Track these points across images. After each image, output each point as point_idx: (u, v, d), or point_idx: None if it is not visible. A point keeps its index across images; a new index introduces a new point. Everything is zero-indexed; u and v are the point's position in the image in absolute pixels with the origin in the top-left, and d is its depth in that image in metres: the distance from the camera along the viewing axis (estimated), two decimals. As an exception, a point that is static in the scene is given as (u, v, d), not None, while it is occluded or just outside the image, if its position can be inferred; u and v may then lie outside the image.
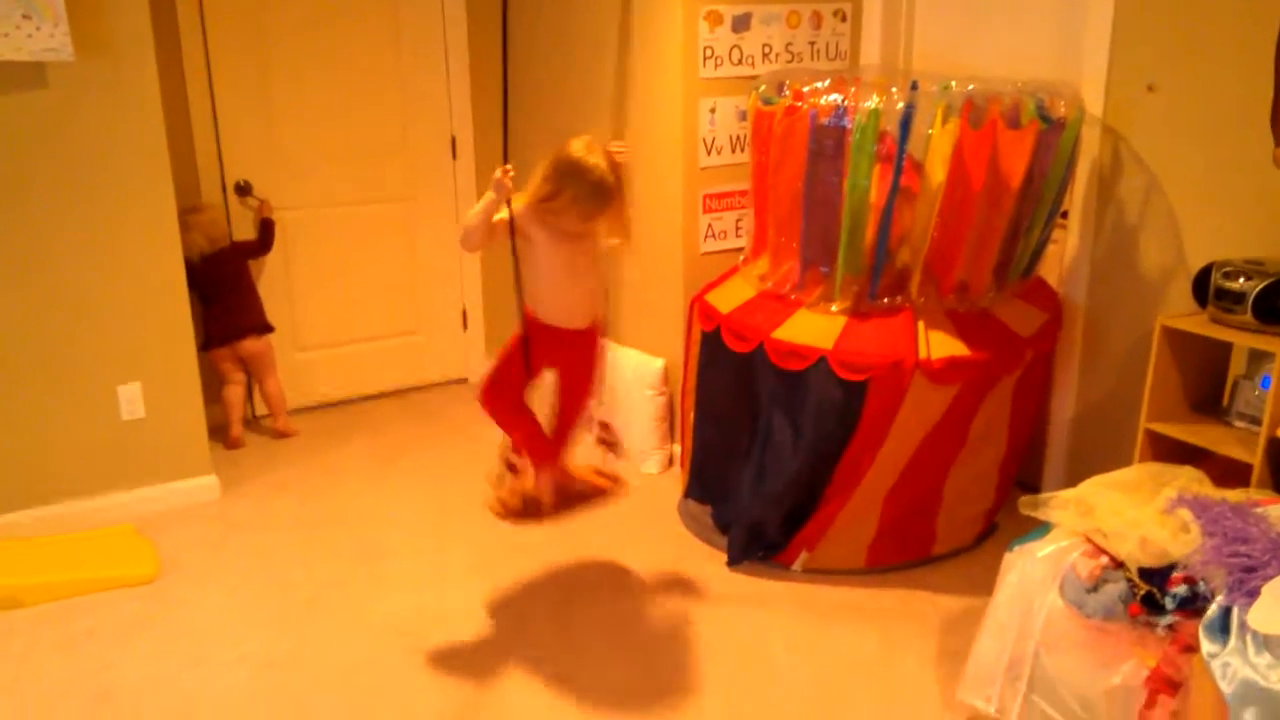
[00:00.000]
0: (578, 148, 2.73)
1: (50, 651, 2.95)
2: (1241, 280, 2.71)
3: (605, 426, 3.28)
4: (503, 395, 3.02)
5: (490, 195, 2.72)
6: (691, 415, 3.61)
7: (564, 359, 3.01)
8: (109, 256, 3.50)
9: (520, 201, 2.77)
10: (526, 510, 3.11)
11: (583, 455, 3.27)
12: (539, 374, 3.03)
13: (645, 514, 3.77)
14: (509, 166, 2.72)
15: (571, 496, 3.17)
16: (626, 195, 2.86)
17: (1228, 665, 2.03)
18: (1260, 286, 2.66)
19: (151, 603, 3.20)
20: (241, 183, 4.37)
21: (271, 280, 4.51)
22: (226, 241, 4.26)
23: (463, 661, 2.92)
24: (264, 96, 4.35)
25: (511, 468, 3.20)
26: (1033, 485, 3.63)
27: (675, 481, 3.95)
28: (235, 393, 4.32)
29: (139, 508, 3.69)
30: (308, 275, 4.60)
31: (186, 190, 4.12)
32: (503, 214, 2.77)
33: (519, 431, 3.09)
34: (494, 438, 4.43)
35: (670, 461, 4.13)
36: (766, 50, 3.84)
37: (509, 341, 2.99)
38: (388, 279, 4.82)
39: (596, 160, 2.71)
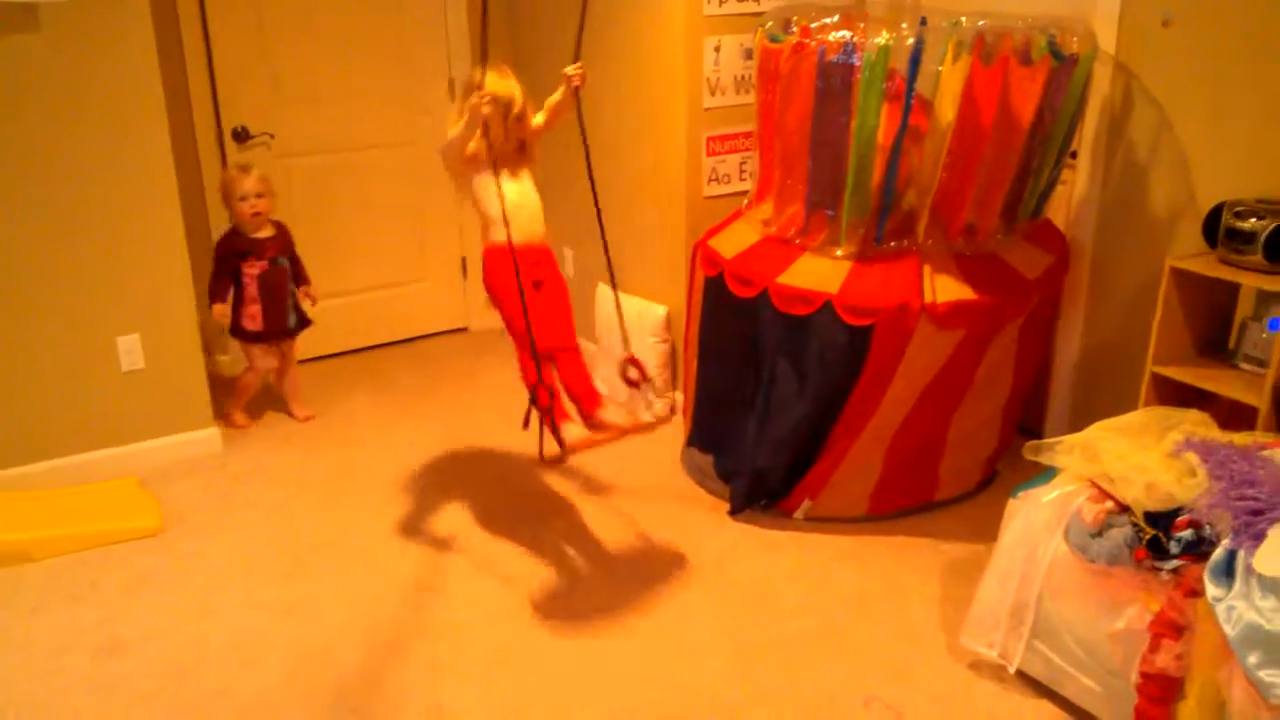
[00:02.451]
0: (486, 77, 2.95)
1: (59, 605, 2.97)
2: (1253, 220, 2.67)
3: (633, 362, 3.23)
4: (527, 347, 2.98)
5: (466, 121, 2.93)
6: (694, 363, 3.59)
7: (542, 278, 3.17)
8: (104, 206, 3.46)
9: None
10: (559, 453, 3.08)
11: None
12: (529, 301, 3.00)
13: (648, 462, 3.76)
14: (485, 94, 2.89)
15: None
16: (530, 111, 3.10)
17: (1232, 609, 2.02)
18: (1273, 226, 2.62)
19: (157, 555, 3.21)
20: (239, 128, 4.31)
21: (271, 229, 4.46)
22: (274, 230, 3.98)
23: (474, 605, 2.93)
24: (260, 39, 4.27)
25: (542, 409, 3.02)
26: (1036, 430, 3.61)
27: (678, 430, 3.93)
28: (254, 380, 4.10)
29: (141, 460, 3.69)
30: (307, 223, 4.54)
31: (182, 137, 4.07)
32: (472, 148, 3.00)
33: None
34: (497, 385, 4.44)
35: (673, 410, 4.10)
36: (770, -12, 3.74)
37: (498, 298, 3.11)
38: (387, 227, 4.78)
39: (501, 84, 2.97)
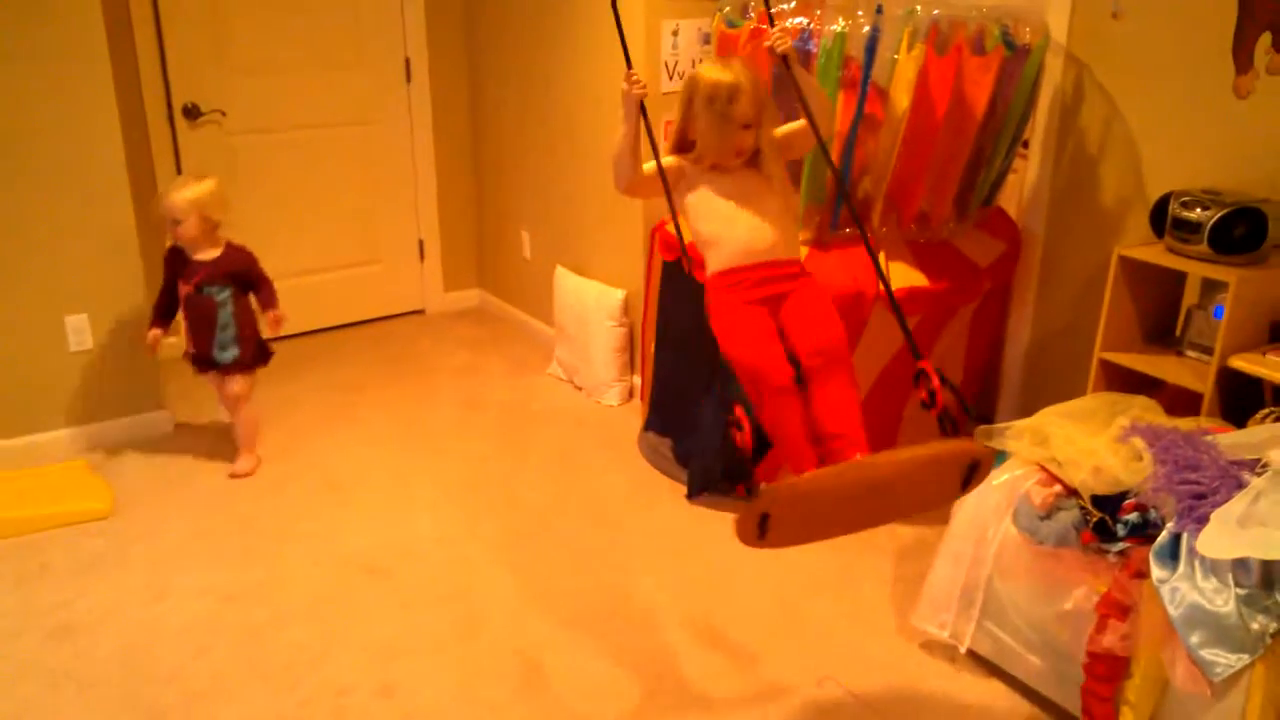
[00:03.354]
0: (700, 67, 2.34)
1: (6, 588, 2.92)
2: (1199, 210, 2.72)
3: (930, 376, 2.18)
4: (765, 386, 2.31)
5: (622, 114, 2.33)
6: (652, 346, 3.60)
7: (781, 302, 2.36)
8: (52, 184, 3.39)
9: (666, 157, 2.39)
10: None
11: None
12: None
13: (605, 446, 3.77)
14: (634, 73, 2.31)
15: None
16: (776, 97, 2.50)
17: (1176, 590, 2.08)
18: (1217, 216, 2.67)
19: (107, 538, 3.16)
20: (189, 105, 4.23)
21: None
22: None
23: (429, 592, 2.92)
24: (212, 15, 4.19)
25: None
26: (988, 416, 3.67)
27: (636, 414, 3.95)
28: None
29: (91, 441, 3.63)
30: (260, 203, 4.49)
31: (132, 114, 3.99)
32: (650, 165, 2.38)
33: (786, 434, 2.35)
34: (453, 368, 4.42)
35: (630, 394, 4.13)
36: (729, -28, 3.75)
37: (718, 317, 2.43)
38: (342, 208, 4.72)
39: (713, 72, 2.29)
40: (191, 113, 4.24)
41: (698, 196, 2.41)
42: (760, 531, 2.10)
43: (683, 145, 2.42)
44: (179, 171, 4.26)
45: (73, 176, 3.42)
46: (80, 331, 3.54)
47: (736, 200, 2.37)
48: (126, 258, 3.59)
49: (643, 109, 2.33)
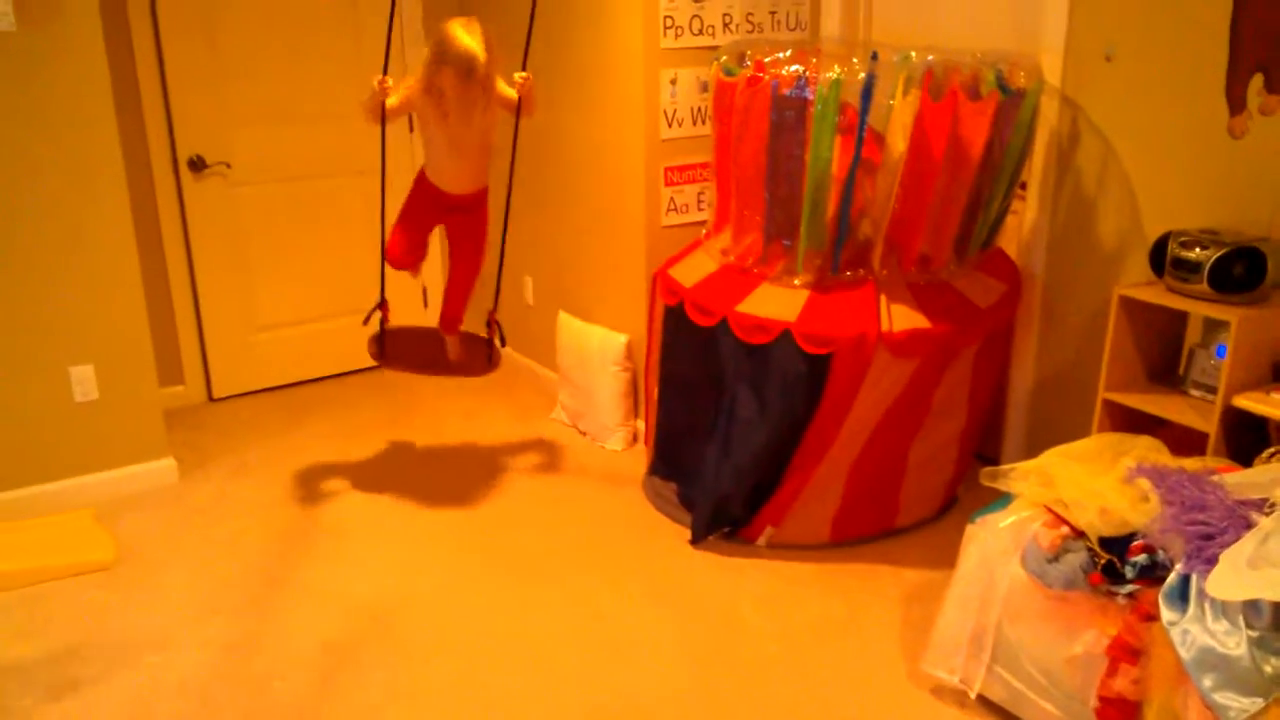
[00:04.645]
0: (451, 25, 3.13)
1: (9, 640, 2.90)
2: (1198, 250, 2.73)
3: (495, 322, 3.66)
4: (399, 243, 3.55)
5: (366, 100, 3.26)
6: (655, 391, 3.60)
7: (451, 222, 3.56)
8: (58, 234, 3.42)
9: (410, 83, 3.26)
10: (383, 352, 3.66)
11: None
12: (426, 229, 3.60)
13: (610, 491, 3.76)
14: (386, 78, 3.20)
15: (448, 359, 3.75)
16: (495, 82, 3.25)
17: (1187, 632, 2.06)
18: (1216, 255, 2.69)
19: (111, 589, 3.15)
20: (195, 158, 4.28)
21: (229, 259, 4.43)
22: None
23: (432, 641, 2.90)
24: (215, 67, 4.25)
25: (382, 306, 3.63)
26: (993, 457, 3.66)
27: (640, 458, 3.94)
28: None
29: (96, 492, 3.63)
30: (265, 253, 4.53)
31: (137, 166, 4.03)
32: (392, 100, 3.25)
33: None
34: (456, 415, 4.43)
35: (634, 438, 4.12)
36: (727, 20, 3.80)
37: (405, 202, 3.52)
38: (346, 256, 4.75)
39: (460, 34, 3.09)
40: (196, 165, 4.28)
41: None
42: (379, 352, 3.63)
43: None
44: (184, 223, 4.30)
45: (78, 228, 3.45)
46: (85, 382, 3.56)
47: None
48: (132, 308, 3.60)
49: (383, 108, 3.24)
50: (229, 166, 4.35)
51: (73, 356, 3.53)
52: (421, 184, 3.47)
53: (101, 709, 2.63)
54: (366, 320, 3.58)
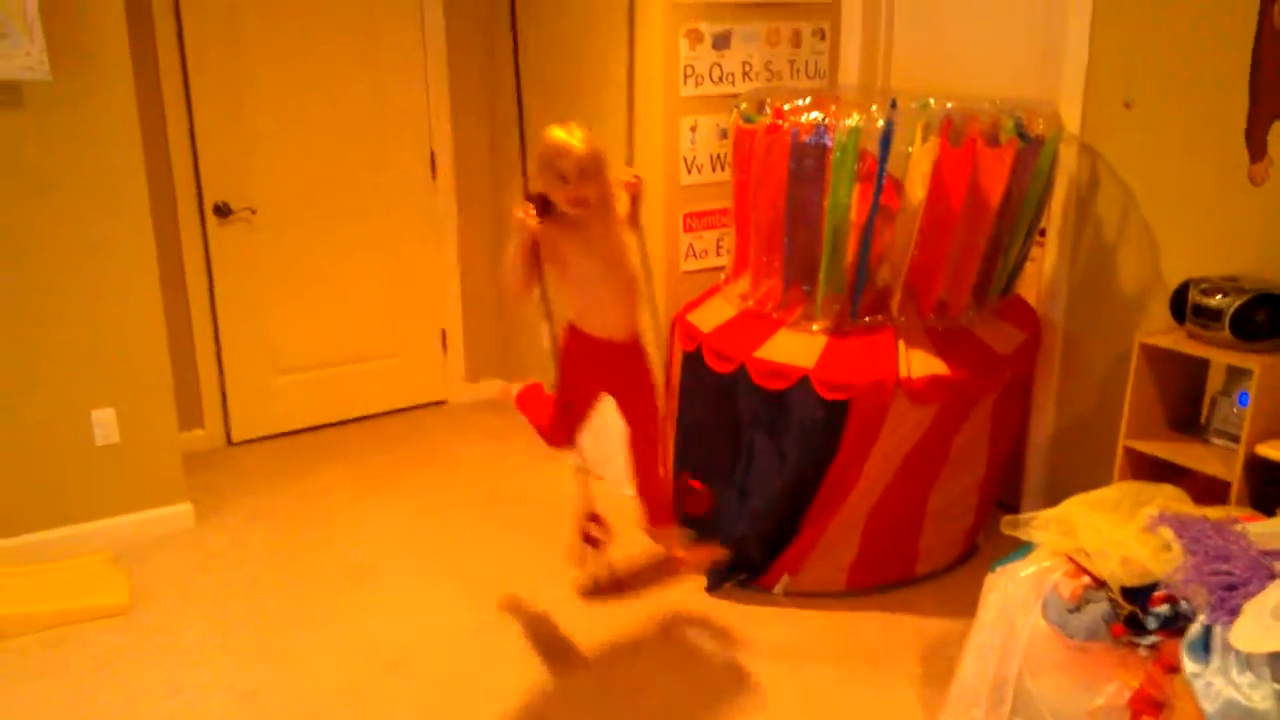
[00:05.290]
0: (551, 131, 2.78)
1: (25, 683, 2.90)
2: (1219, 297, 2.72)
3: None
4: (562, 427, 3.11)
5: (513, 239, 2.77)
6: (673, 436, 3.59)
7: (614, 378, 3.02)
8: (83, 277, 3.46)
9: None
10: (615, 586, 3.23)
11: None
12: (590, 394, 3.08)
13: (625, 537, 3.74)
14: (530, 205, 2.74)
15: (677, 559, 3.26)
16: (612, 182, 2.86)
17: (1210, 685, 2.02)
18: (1237, 303, 2.67)
19: (127, 634, 3.15)
20: (220, 204, 4.34)
21: (251, 303, 4.47)
22: None
23: (453, 689, 2.88)
24: (241, 115, 4.32)
25: (591, 541, 3.26)
26: (1012, 505, 3.62)
27: (657, 502, 3.92)
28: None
29: (113, 536, 3.63)
30: (287, 297, 4.57)
31: (163, 212, 4.09)
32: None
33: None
34: (476, 459, 4.42)
35: (652, 482, 4.09)
36: (746, 68, 3.84)
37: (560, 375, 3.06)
38: (367, 300, 4.79)
39: (564, 137, 2.74)
40: (222, 211, 4.34)
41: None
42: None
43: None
44: (208, 267, 4.36)
45: (104, 272, 3.50)
46: (106, 425, 3.58)
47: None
48: (155, 352, 3.64)
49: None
50: (254, 212, 4.41)
51: (95, 400, 3.56)
52: (573, 340, 2.97)
53: (114, 753, 2.62)
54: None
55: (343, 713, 2.78)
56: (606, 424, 4.09)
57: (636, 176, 2.93)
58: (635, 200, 2.92)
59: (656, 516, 3.16)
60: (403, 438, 4.70)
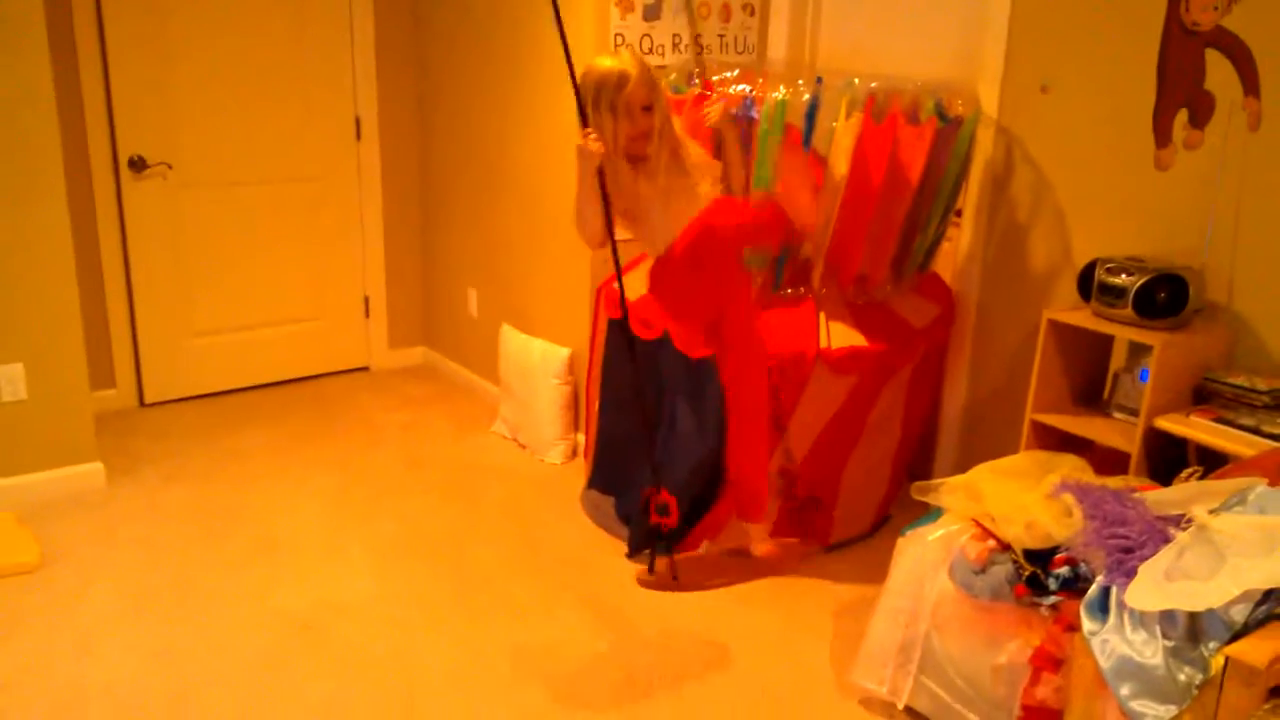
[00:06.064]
0: (598, 60, 2.63)
1: (-77, 642, 2.83)
2: (1123, 276, 2.83)
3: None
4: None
5: (579, 175, 2.57)
6: (596, 404, 3.62)
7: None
8: (-10, 231, 3.36)
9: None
10: (672, 578, 3.17)
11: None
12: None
13: (548, 504, 3.76)
14: (590, 130, 2.54)
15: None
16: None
17: (1106, 642, 2.12)
18: (1140, 282, 2.78)
19: (34, 593, 3.07)
20: (135, 157, 4.22)
21: (166, 262, 4.37)
22: None
23: (366, 652, 2.87)
24: (161, 69, 4.20)
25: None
26: (924, 476, 3.71)
27: (579, 472, 3.95)
28: None
29: (20, 495, 3.54)
30: (205, 257, 4.47)
31: (75, 165, 3.97)
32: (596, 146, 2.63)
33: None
34: (397, 426, 4.39)
35: (574, 452, 4.13)
36: (676, 40, 3.86)
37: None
38: (288, 263, 4.71)
39: (615, 64, 2.58)
40: (137, 165, 4.22)
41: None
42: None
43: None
44: (122, 224, 4.24)
45: (14, 224, 3.38)
46: (14, 381, 3.48)
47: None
48: (67, 308, 3.54)
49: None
50: (170, 167, 4.30)
51: (2, 355, 3.45)
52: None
53: (24, 711, 2.56)
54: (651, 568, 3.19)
55: (254, 674, 2.75)
56: (532, 397, 4.12)
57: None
58: (728, 131, 2.67)
59: (748, 510, 3.01)
60: (323, 403, 4.64)
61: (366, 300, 4.98)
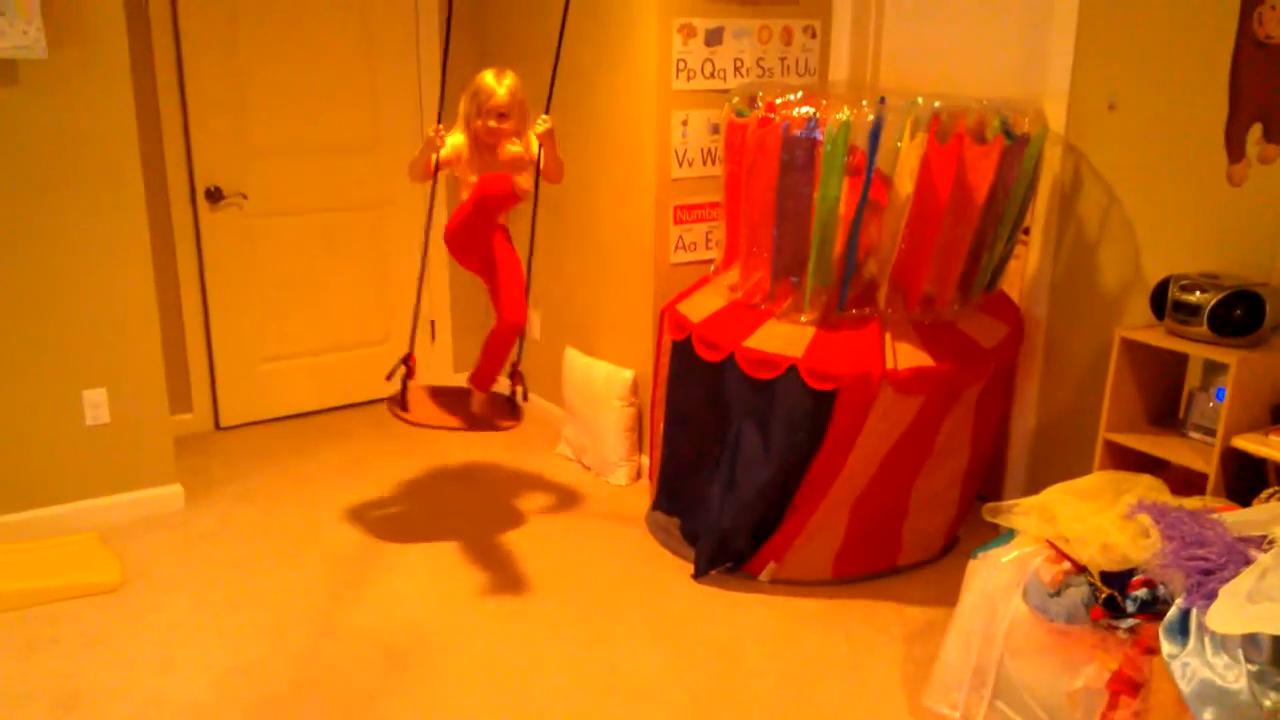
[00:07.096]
0: (484, 73, 3.30)
1: (15, 658, 2.91)
2: (1198, 293, 2.78)
3: (518, 374, 3.62)
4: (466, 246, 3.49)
5: (422, 148, 3.31)
6: (660, 426, 3.63)
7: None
8: (76, 258, 3.47)
9: (458, 139, 3.33)
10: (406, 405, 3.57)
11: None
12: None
13: (613, 525, 3.78)
14: (440, 126, 3.25)
15: (471, 413, 3.60)
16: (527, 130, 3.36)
17: (1187, 665, 2.08)
18: (1216, 299, 2.73)
19: (116, 611, 3.16)
20: (212, 188, 4.35)
21: (240, 289, 4.49)
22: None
23: (434, 670, 2.91)
24: (235, 102, 4.34)
25: (407, 360, 3.58)
26: (994, 498, 3.67)
27: (643, 494, 3.97)
28: None
29: (103, 516, 3.65)
30: (276, 284, 4.58)
31: (154, 195, 4.10)
32: (444, 151, 3.29)
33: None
34: (458, 446, 4.45)
35: (639, 474, 4.15)
36: (738, 64, 3.89)
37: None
38: (356, 288, 4.81)
39: (492, 81, 3.26)
40: (214, 196, 4.35)
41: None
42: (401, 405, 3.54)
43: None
44: (199, 252, 4.37)
45: (98, 253, 3.51)
46: (97, 405, 3.59)
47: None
48: (146, 334, 3.65)
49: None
50: (245, 198, 4.42)
51: (86, 380, 3.57)
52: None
53: (105, 728, 2.64)
54: (390, 376, 3.56)
55: (328, 690, 2.80)
56: (596, 420, 4.15)
57: (547, 121, 3.30)
58: (546, 145, 3.32)
59: (482, 380, 3.61)
60: (387, 426, 4.68)
61: (433, 324, 5.05)
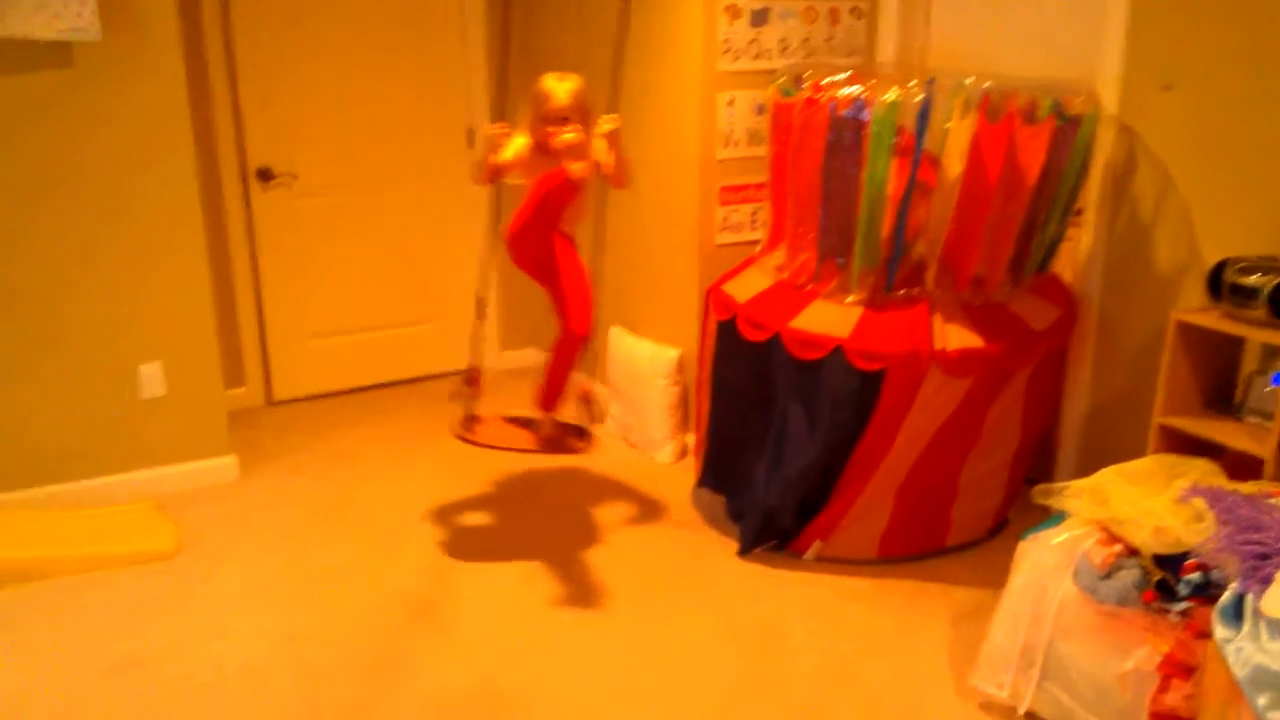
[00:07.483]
0: (545, 77, 3.14)
1: (71, 623, 2.99)
2: (1256, 276, 2.74)
3: (587, 397, 3.59)
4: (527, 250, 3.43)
5: (483, 151, 3.23)
6: (706, 405, 3.64)
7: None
8: (131, 235, 3.55)
9: (520, 143, 3.15)
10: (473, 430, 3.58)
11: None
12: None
13: (657, 502, 3.80)
14: (504, 124, 3.15)
15: (548, 435, 3.57)
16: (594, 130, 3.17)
17: (1241, 650, 2.06)
18: (1275, 282, 2.69)
19: (171, 578, 3.24)
20: (263, 169, 4.41)
21: (291, 267, 4.55)
22: None
23: (482, 634, 2.95)
24: (285, 81, 4.39)
25: (472, 380, 3.63)
26: (1044, 482, 3.64)
27: (688, 471, 3.98)
28: None
29: (158, 486, 3.73)
30: (326, 262, 4.64)
31: (206, 174, 4.16)
32: (506, 154, 3.13)
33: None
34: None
35: (684, 451, 4.16)
36: (784, 45, 3.87)
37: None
38: (405, 267, 4.86)
39: (553, 84, 3.10)
40: (265, 175, 4.41)
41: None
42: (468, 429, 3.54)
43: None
44: (250, 230, 4.43)
45: (152, 231, 3.58)
46: (153, 379, 3.67)
47: None
48: (200, 309, 3.73)
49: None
50: (295, 178, 4.48)
51: (143, 354, 3.64)
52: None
53: (159, 690, 2.70)
54: (453, 396, 3.57)
55: (379, 657, 2.86)
56: (641, 398, 4.16)
57: (613, 120, 3.17)
58: (615, 147, 3.17)
59: (548, 401, 3.54)
60: (435, 401, 4.75)
61: (481, 301, 5.07)
